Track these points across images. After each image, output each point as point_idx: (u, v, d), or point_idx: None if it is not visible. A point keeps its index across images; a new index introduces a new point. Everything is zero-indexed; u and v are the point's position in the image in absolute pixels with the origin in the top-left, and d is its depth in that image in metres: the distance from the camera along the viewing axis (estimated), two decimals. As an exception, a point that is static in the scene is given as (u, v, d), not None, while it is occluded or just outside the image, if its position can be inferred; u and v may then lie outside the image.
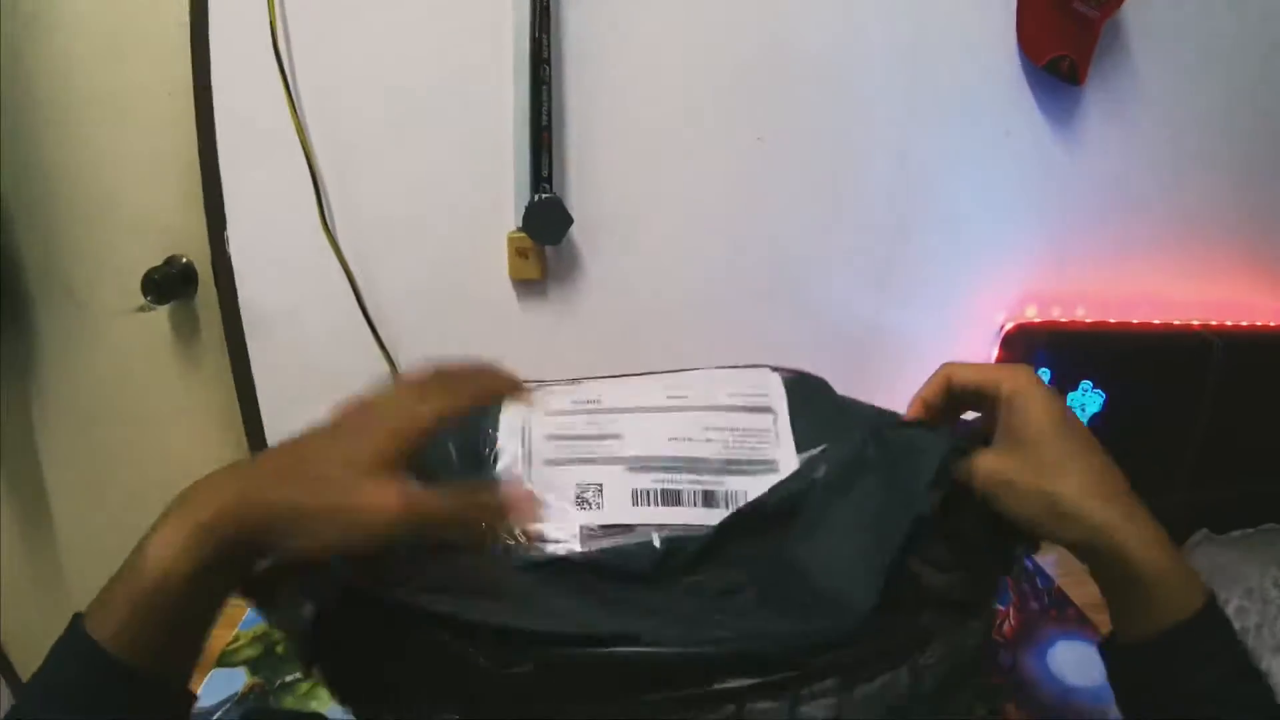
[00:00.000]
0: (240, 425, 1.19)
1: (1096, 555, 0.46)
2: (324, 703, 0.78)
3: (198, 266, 1.15)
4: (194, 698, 0.46)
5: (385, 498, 0.42)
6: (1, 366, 1.22)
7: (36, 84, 1.07)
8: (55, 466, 1.30)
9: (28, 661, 1.45)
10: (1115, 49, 1.20)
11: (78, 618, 0.42)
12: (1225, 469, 1.46)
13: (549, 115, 1.02)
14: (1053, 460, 0.48)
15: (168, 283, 1.11)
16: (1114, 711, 0.80)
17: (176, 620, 0.42)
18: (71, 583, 1.39)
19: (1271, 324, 1.47)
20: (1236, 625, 1.22)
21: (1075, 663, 0.87)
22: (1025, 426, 0.48)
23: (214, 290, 1.12)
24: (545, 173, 1.04)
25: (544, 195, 1.04)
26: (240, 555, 0.43)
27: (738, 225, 1.16)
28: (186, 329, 1.20)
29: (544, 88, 1.01)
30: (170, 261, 1.14)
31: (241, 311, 1.11)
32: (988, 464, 0.49)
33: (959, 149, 1.20)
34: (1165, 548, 0.45)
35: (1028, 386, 0.49)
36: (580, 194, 1.10)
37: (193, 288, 1.16)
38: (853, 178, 1.18)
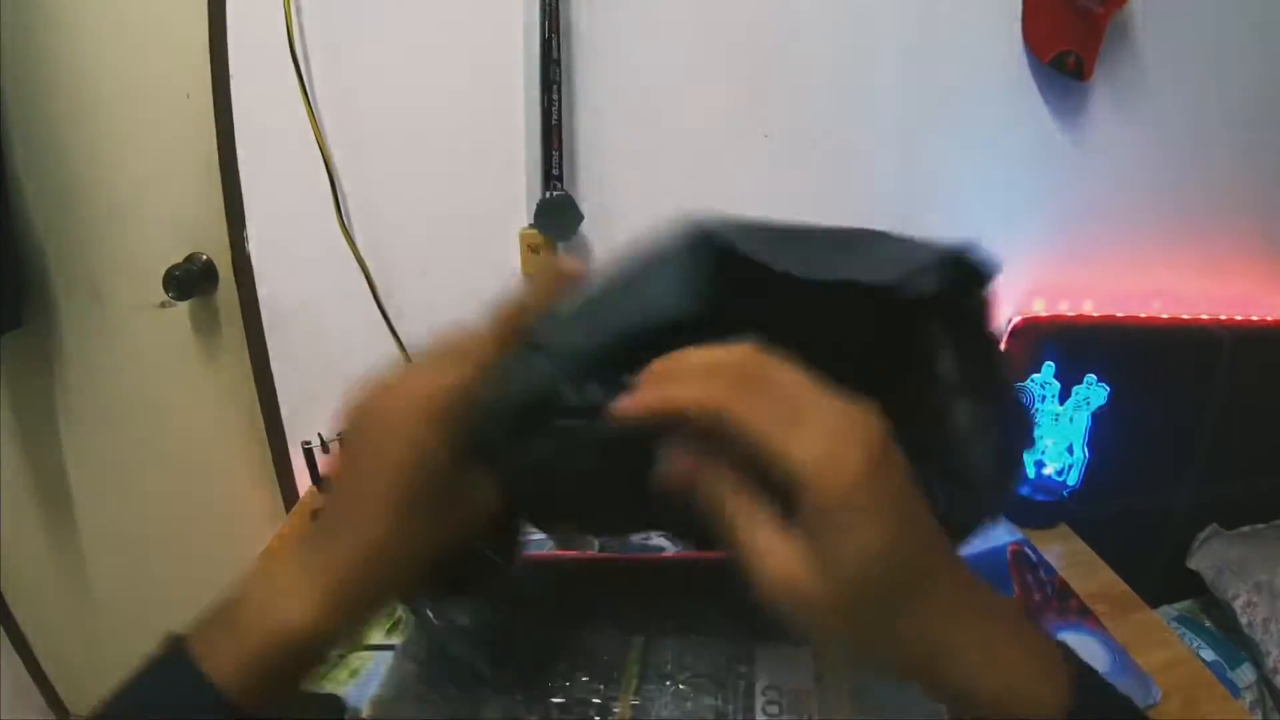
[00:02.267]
0: (260, 419, 1.21)
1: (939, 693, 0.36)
2: (339, 684, 0.80)
3: (218, 264, 1.17)
4: None
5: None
6: (25, 362, 1.25)
7: (58, 86, 1.10)
8: (77, 460, 1.33)
9: (48, 652, 1.48)
10: (1121, 45, 1.20)
11: (179, 640, 0.40)
12: (1234, 464, 1.46)
13: (559, 114, 1.04)
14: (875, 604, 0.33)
15: (188, 280, 1.13)
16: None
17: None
18: (94, 576, 1.42)
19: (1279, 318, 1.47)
20: (1244, 620, 1.24)
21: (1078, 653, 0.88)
22: (840, 563, 0.32)
23: (234, 287, 1.14)
24: (556, 170, 1.06)
25: (555, 192, 1.06)
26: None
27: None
28: (207, 325, 1.22)
29: (554, 86, 1.02)
30: (191, 259, 1.17)
31: (261, 308, 1.14)
32: (786, 568, 0.33)
33: (965, 144, 1.21)
34: (1016, 668, 0.36)
35: (852, 498, 0.31)
36: (590, 190, 1.12)
37: (213, 284, 1.18)
38: (860, 173, 1.19)
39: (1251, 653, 1.25)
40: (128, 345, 1.23)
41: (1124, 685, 0.82)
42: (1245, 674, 1.24)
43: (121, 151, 1.13)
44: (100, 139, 1.12)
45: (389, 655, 0.85)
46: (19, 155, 1.11)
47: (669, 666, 0.72)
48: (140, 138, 1.12)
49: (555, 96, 1.03)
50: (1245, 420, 1.43)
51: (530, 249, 1.11)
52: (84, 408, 1.29)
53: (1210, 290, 1.41)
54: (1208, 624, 1.35)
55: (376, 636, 0.87)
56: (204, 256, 1.17)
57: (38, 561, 1.40)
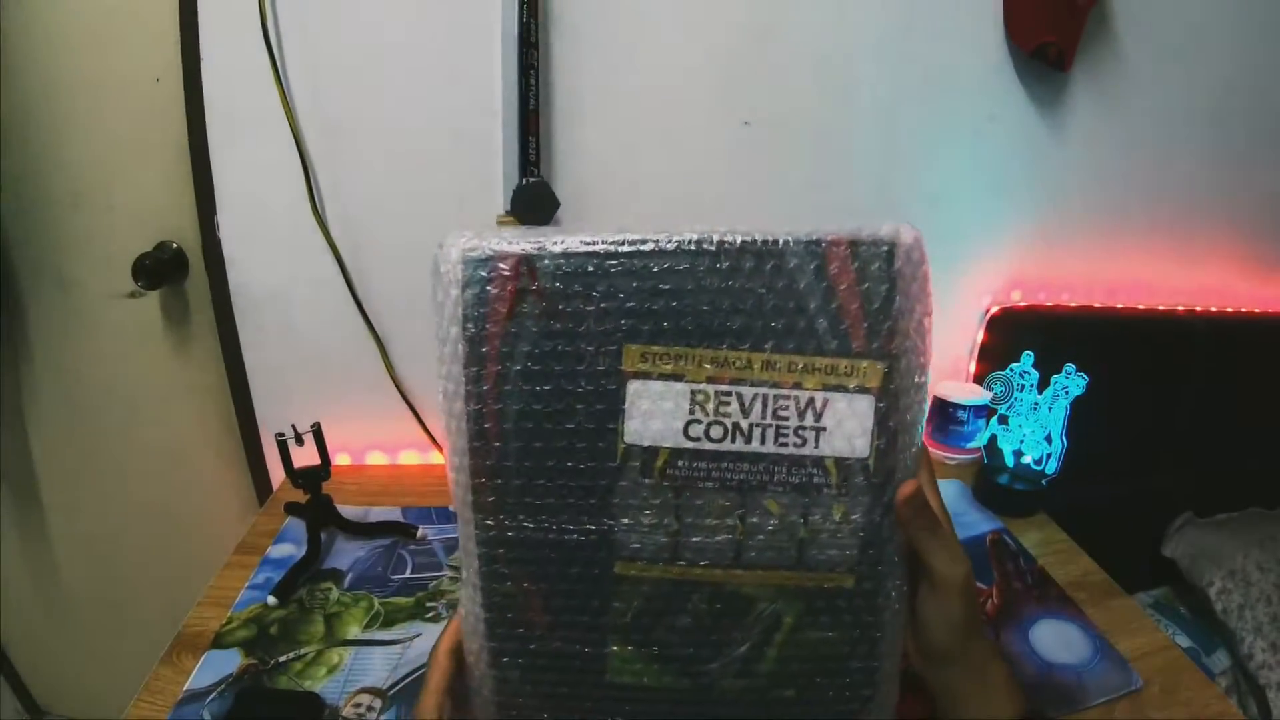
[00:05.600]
0: (231, 408, 1.20)
1: (967, 667, 0.50)
2: (317, 682, 0.79)
3: (188, 252, 1.15)
4: None
5: None
6: (-7, 352, 1.22)
7: (25, 71, 1.07)
8: (47, 451, 1.30)
9: (20, 650, 1.45)
10: (1102, 36, 1.21)
11: None
12: (1209, 452, 1.48)
13: (536, 99, 1.03)
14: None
15: (158, 268, 1.11)
16: (1094, 688, 0.82)
17: None
18: (63, 570, 1.39)
19: (1255, 309, 1.48)
20: (1218, 607, 1.26)
21: (1057, 640, 0.88)
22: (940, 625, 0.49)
23: (204, 275, 1.12)
24: (533, 156, 1.05)
25: (531, 178, 1.05)
26: None
27: (725, 207, 1.17)
28: (177, 314, 1.20)
29: (532, 71, 1.01)
30: (161, 247, 1.14)
31: (232, 296, 1.12)
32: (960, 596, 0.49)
33: (946, 134, 1.21)
34: (1009, 670, 0.51)
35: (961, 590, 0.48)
36: (567, 177, 1.11)
37: (183, 273, 1.16)
38: (839, 161, 1.19)
39: (1226, 639, 1.27)
40: (96, 335, 1.21)
41: (1105, 672, 0.83)
42: (1220, 660, 1.26)
43: (88, 137, 1.10)
44: (66, 124, 1.10)
45: (366, 651, 0.84)
46: (-19, 140, 1.09)
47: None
48: (108, 122, 1.10)
49: (533, 82, 1.02)
50: (1219, 409, 1.45)
51: (508, 237, 1.09)
52: (52, 399, 1.26)
53: (1186, 280, 1.43)
54: (1182, 610, 1.36)
55: (354, 632, 0.86)
56: (174, 244, 1.15)
57: (6, 557, 1.37)
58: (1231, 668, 1.25)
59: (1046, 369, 1.13)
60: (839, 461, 0.44)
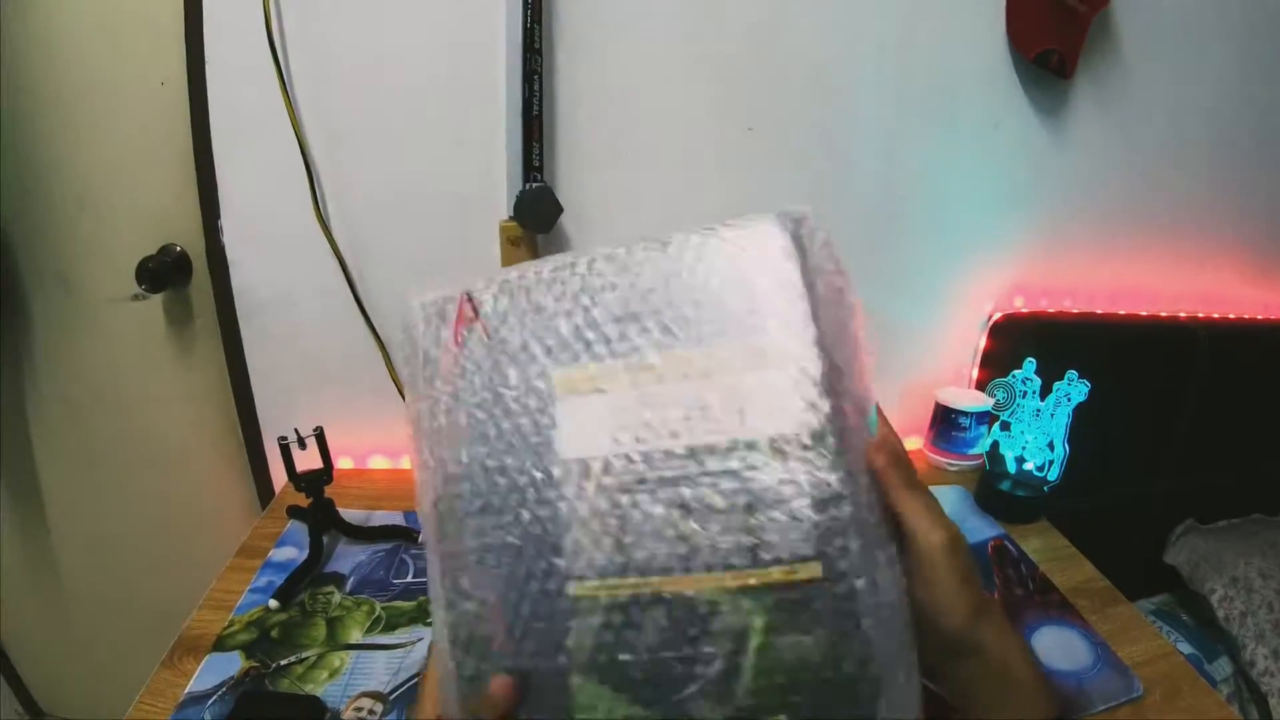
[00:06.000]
0: (233, 411, 1.20)
1: (990, 665, 0.43)
2: (318, 685, 0.79)
3: (191, 255, 1.15)
4: None
5: None
6: (-5, 355, 1.22)
7: (30, 73, 1.07)
8: (49, 453, 1.31)
9: (21, 651, 1.45)
10: (1104, 43, 1.21)
11: None
12: (1211, 459, 1.48)
13: (540, 105, 1.03)
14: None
15: (162, 271, 1.11)
16: (1096, 695, 0.82)
17: None
18: (65, 573, 1.39)
19: (1257, 315, 1.49)
20: (1220, 614, 1.25)
21: (1058, 647, 0.88)
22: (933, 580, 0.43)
23: (208, 278, 1.12)
24: (536, 162, 1.05)
25: (535, 184, 1.05)
26: None
27: (728, 215, 1.16)
28: (180, 317, 1.20)
29: (535, 77, 1.01)
30: (164, 250, 1.15)
31: (235, 299, 1.12)
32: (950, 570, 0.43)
33: (948, 141, 1.21)
34: (1034, 661, 0.45)
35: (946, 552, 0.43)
36: (571, 183, 1.11)
37: (186, 276, 1.16)
38: (843, 168, 1.19)
39: (1228, 646, 1.27)
40: (99, 338, 1.21)
41: (1106, 679, 0.83)
42: (1222, 667, 1.25)
43: (93, 140, 1.10)
44: (71, 127, 1.10)
45: (367, 655, 0.84)
46: (-14, 142, 1.09)
47: None
48: (113, 126, 1.10)
49: (536, 87, 1.02)
50: (1221, 415, 1.44)
51: (510, 241, 1.10)
52: (55, 402, 1.26)
53: (1188, 287, 1.43)
54: (1184, 617, 1.36)
55: (355, 635, 0.86)
56: (177, 247, 1.15)
57: (8, 559, 1.37)
58: (1233, 675, 1.25)
59: (1049, 375, 1.13)
60: (773, 441, 0.40)
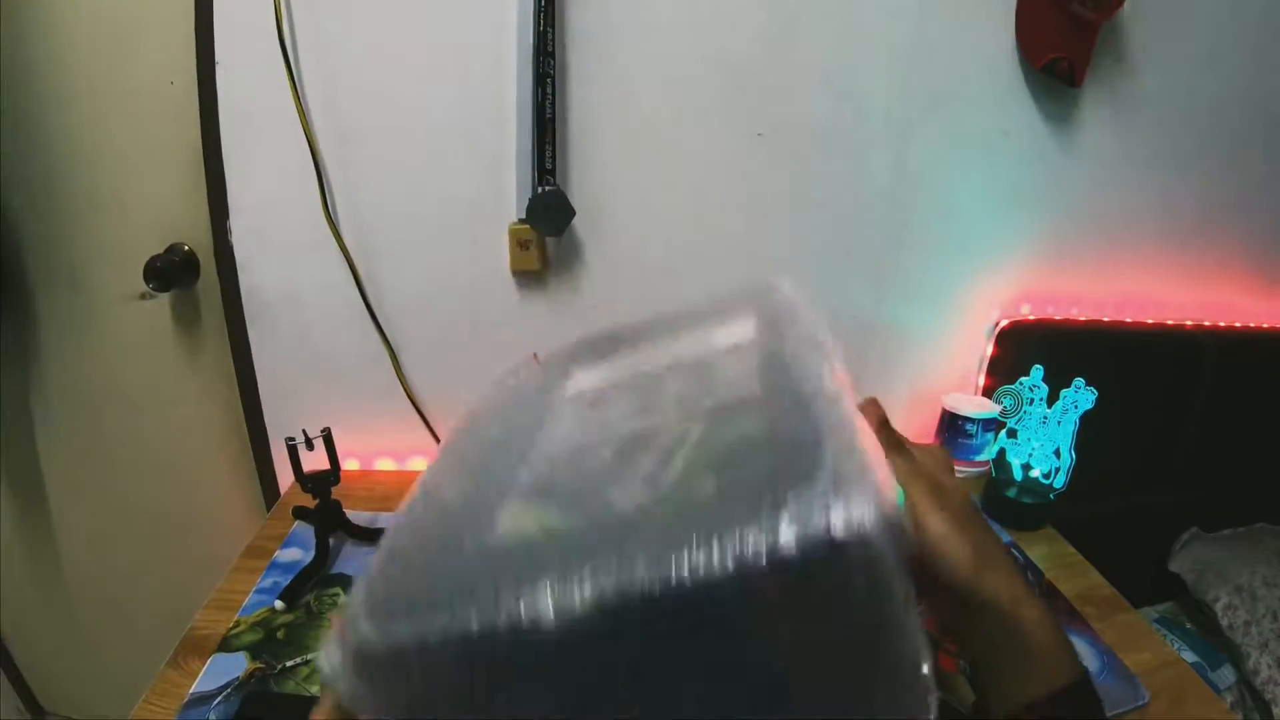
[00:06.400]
0: (240, 412, 1.20)
1: (1000, 621, 0.42)
2: (324, 686, 0.79)
3: (200, 255, 1.15)
4: None
5: None
6: (3, 353, 1.22)
7: (40, 73, 1.08)
8: (56, 452, 1.31)
9: (23, 651, 1.45)
10: (1113, 52, 1.21)
11: None
12: (1216, 467, 1.48)
13: (553, 108, 1.03)
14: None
15: (170, 271, 1.11)
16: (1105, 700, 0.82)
17: None
18: (70, 572, 1.39)
19: (1264, 325, 1.48)
20: (1224, 622, 1.25)
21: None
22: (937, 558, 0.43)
23: (216, 278, 1.12)
24: (548, 165, 1.05)
25: (547, 187, 1.05)
26: None
27: (739, 220, 1.17)
28: (188, 317, 1.20)
29: (548, 80, 1.01)
30: (172, 249, 1.15)
31: (243, 300, 1.12)
32: (936, 523, 0.43)
33: (957, 148, 1.21)
34: (1052, 621, 0.44)
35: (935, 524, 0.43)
36: (582, 186, 1.11)
37: (194, 276, 1.16)
38: (852, 174, 1.19)
39: (1232, 655, 1.26)
40: (107, 337, 1.21)
41: (1113, 686, 0.83)
42: (1226, 675, 1.25)
43: (102, 139, 1.10)
44: (80, 126, 1.10)
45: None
46: (-4, 141, 1.09)
47: None
48: (122, 125, 1.10)
49: (549, 90, 1.02)
50: (1227, 425, 1.45)
51: (519, 244, 1.10)
52: (61, 401, 1.26)
53: (1195, 295, 1.43)
54: (1189, 626, 1.36)
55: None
56: (185, 247, 1.15)
57: (12, 557, 1.37)
58: (1237, 683, 1.25)
59: (1055, 383, 1.13)
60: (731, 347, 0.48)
